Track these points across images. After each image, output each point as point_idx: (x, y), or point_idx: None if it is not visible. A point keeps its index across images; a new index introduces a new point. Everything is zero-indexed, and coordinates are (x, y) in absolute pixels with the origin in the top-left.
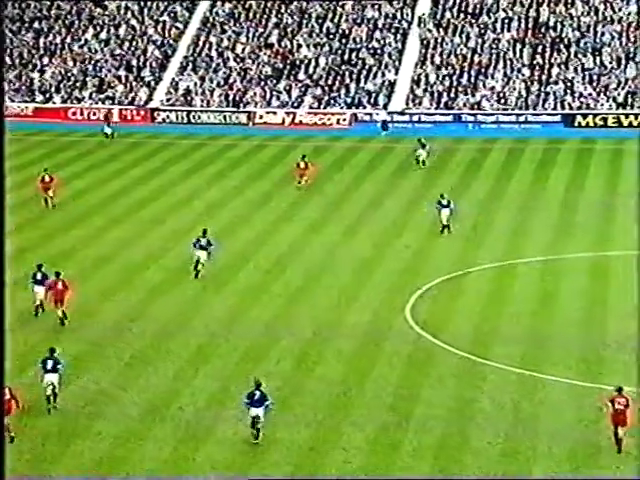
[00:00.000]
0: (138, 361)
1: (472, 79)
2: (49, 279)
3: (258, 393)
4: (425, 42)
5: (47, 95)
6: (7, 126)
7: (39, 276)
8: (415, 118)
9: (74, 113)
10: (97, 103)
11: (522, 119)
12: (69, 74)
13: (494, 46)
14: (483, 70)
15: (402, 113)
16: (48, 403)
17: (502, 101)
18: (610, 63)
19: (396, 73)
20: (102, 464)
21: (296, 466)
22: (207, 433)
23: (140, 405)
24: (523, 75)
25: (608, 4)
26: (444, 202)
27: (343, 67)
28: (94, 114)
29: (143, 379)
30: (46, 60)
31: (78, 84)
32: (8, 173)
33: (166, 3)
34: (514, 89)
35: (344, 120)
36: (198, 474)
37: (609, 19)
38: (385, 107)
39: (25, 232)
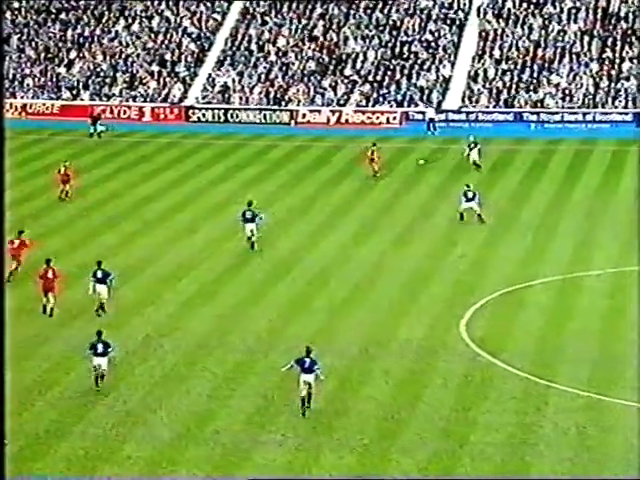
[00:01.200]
0: (170, 379)
1: (535, 74)
2: (110, 275)
3: (308, 360)
4: (484, 34)
5: (74, 92)
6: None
7: (99, 274)
8: (472, 117)
9: (103, 111)
10: (128, 100)
11: (589, 118)
12: (98, 69)
13: (559, 38)
14: (547, 65)
15: (458, 111)
16: (96, 385)
17: (568, 99)
18: None
19: (452, 68)
20: None
21: None
22: (244, 458)
23: (172, 427)
24: (591, 70)
25: None
26: (469, 194)
27: (393, 62)
28: (124, 112)
29: (175, 399)
30: (74, 54)
31: (108, 80)
32: (31, 176)
33: None
34: (581, 85)
35: (394, 119)
36: None
37: None
38: (439, 105)
39: (50, 239)
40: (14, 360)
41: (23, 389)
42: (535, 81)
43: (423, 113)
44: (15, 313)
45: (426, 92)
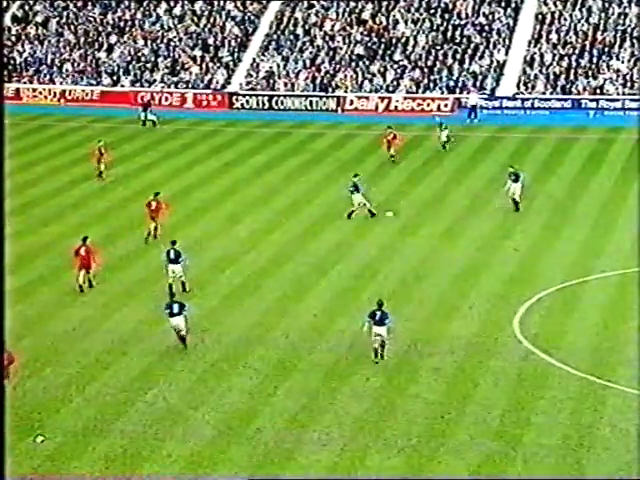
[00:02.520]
0: (211, 376)
1: (594, 59)
2: (182, 257)
3: (379, 313)
4: (540, 17)
5: (115, 77)
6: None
7: (172, 254)
8: (528, 104)
9: (144, 97)
10: (170, 87)
11: None
12: (139, 54)
13: (620, 22)
14: (607, 49)
15: (513, 98)
16: (183, 342)
17: (629, 85)
18: None
19: (506, 53)
20: None
21: None
22: (287, 458)
23: (213, 425)
24: None
25: None
26: (512, 176)
27: (445, 46)
28: (166, 99)
29: (216, 396)
30: (114, 39)
31: (149, 65)
32: (71, 165)
33: None
34: None
35: (446, 106)
36: None
37: None
38: (493, 91)
39: (90, 228)
40: (52, 355)
41: (61, 385)
42: (594, 66)
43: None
44: (51, 308)
45: (480, 78)
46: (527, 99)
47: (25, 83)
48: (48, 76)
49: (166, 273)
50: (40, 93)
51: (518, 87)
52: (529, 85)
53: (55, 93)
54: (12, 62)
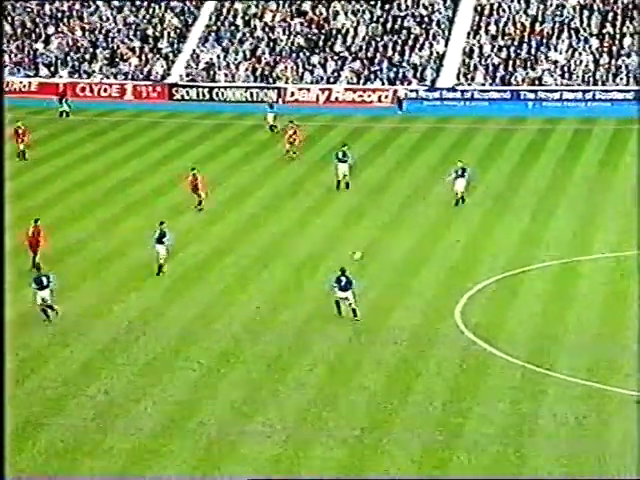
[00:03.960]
0: (153, 369)
1: (532, 51)
2: (167, 237)
3: (344, 279)
4: (479, 8)
5: (52, 69)
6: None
7: (157, 234)
8: (467, 95)
9: (83, 89)
10: (108, 78)
11: (589, 96)
12: (77, 45)
13: (558, 13)
14: (545, 41)
15: (453, 89)
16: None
17: (567, 76)
18: None
19: (446, 44)
20: None
21: None
22: (231, 450)
23: (155, 418)
24: (591, 46)
25: None
26: (459, 171)
27: (385, 37)
28: (105, 90)
29: (159, 389)
30: (51, 29)
31: (87, 57)
32: (7, 157)
33: None
34: (580, 62)
35: (386, 98)
36: None
37: None
38: (433, 82)
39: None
40: None
41: None
42: (533, 58)
43: (416, 91)
44: None
45: (420, 69)
46: (467, 90)
47: None
48: None
49: (157, 254)
50: None
51: (458, 78)
52: (469, 76)
53: None
54: None
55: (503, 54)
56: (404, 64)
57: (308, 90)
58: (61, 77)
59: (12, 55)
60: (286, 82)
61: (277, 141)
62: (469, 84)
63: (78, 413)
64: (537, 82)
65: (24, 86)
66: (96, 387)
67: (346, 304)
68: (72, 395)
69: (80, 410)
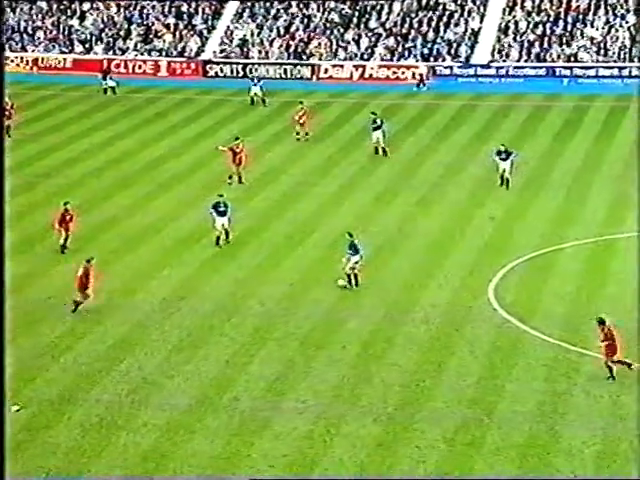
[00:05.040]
0: (187, 345)
1: (568, 27)
2: (227, 208)
3: (356, 243)
4: None
5: (87, 45)
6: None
7: (221, 207)
8: (502, 72)
9: (117, 66)
10: (142, 55)
11: (625, 73)
12: (112, 22)
13: None
14: (581, 17)
15: (487, 66)
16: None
17: (602, 52)
18: None
19: (481, 20)
20: (147, 459)
21: (362, 464)
22: (264, 426)
23: (189, 394)
24: (627, 22)
25: None
26: (503, 155)
27: (420, 13)
28: (139, 67)
29: (192, 365)
30: (87, 6)
31: (122, 33)
32: (43, 134)
33: None
34: (616, 39)
35: (420, 74)
36: (253, 471)
37: None
38: (467, 59)
39: (63, 198)
40: (27, 324)
41: (36, 354)
42: (568, 34)
43: (451, 68)
44: (26, 277)
45: (454, 46)
46: (501, 67)
47: None
48: (20, 44)
49: (214, 225)
50: (12, 61)
51: (492, 55)
52: (503, 53)
53: (27, 61)
54: None
55: (538, 30)
56: (438, 40)
57: (342, 67)
58: (96, 54)
59: (47, 32)
60: (320, 59)
61: (310, 118)
62: (504, 61)
63: (112, 388)
64: (573, 59)
65: (59, 62)
66: (130, 363)
67: (356, 269)
68: (106, 371)
69: (114, 385)
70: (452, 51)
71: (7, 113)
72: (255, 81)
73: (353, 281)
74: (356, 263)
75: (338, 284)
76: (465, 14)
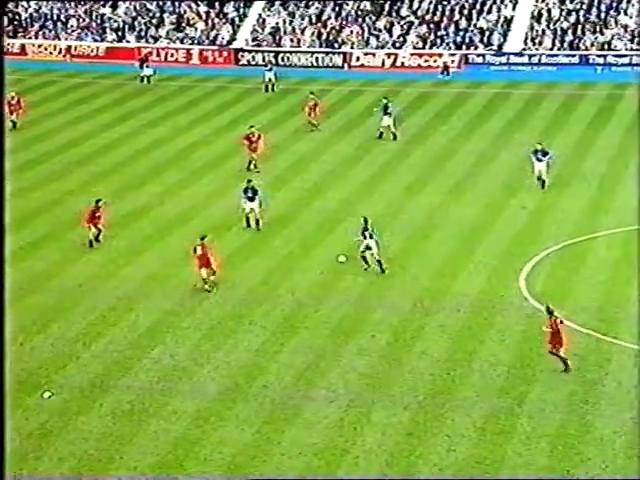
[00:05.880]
0: (217, 333)
1: (602, 15)
2: (258, 193)
3: (369, 228)
4: None
5: (120, 33)
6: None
7: (250, 192)
8: (535, 60)
9: (149, 54)
10: (174, 43)
11: None
12: (144, 10)
13: None
14: (614, 4)
15: (520, 54)
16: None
17: (636, 40)
18: None
19: (514, 8)
20: (177, 446)
21: (392, 453)
22: (294, 414)
23: (219, 382)
24: None
25: None
26: (539, 154)
27: (452, 1)
28: (171, 55)
29: (222, 353)
30: None
31: (154, 21)
32: (76, 121)
33: None
34: None
35: (452, 62)
36: (283, 459)
37: None
38: (500, 47)
39: (96, 186)
40: (59, 311)
41: (67, 341)
42: (602, 22)
43: (483, 56)
44: (59, 264)
45: (487, 34)
46: (534, 55)
47: (30, 39)
48: (53, 32)
49: (243, 209)
50: (45, 49)
51: (525, 43)
52: (536, 41)
53: (60, 49)
54: (17, 18)
55: (572, 18)
56: (471, 28)
57: (373, 55)
58: (128, 42)
59: (80, 20)
60: (351, 47)
61: (342, 107)
62: (537, 49)
63: (143, 376)
64: (606, 46)
65: (92, 51)
66: (161, 350)
67: (370, 253)
68: (137, 358)
69: (145, 373)
70: (485, 39)
71: (12, 108)
72: (269, 66)
73: (369, 264)
74: (368, 248)
75: (338, 260)
76: (498, 1)
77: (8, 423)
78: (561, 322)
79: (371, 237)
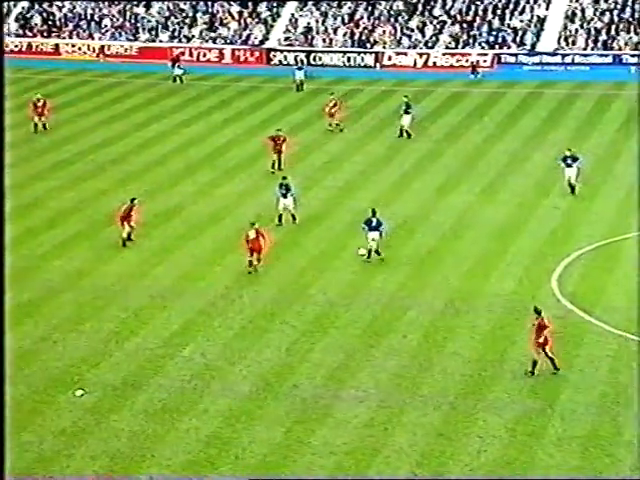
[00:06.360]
0: (248, 332)
1: (636, 15)
2: (291, 190)
3: (374, 220)
4: None
5: (153, 33)
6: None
7: (283, 189)
8: (568, 60)
9: (182, 53)
10: (207, 42)
11: None
12: (177, 10)
13: None
14: None
15: (553, 54)
16: (369, 257)
17: None
18: None
19: (547, 8)
20: (209, 444)
21: (423, 453)
22: (325, 414)
23: (251, 381)
24: None
25: None
26: (569, 160)
27: (485, 1)
28: (204, 55)
29: (254, 352)
30: None
31: (187, 21)
32: (110, 121)
33: None
34: None
35: (485, 62)
36: (314, 458)
37: None
38: (533, 47)
39: (129, 184)
40: (92, 310)
41: (100, 340)
42: (636, 21)
43: (516, 55)
44: (92, 263)
45: (520, 33)
46: (567, 55)
47: (64, 38)
48: (87, 31)
49: (277, 205)
50: (79, 49)
51: (559, 42)
52: (570, 40)
53: (94, 48)
54: (52, 17)
55: (605, 18)
56: (504, 28)
57: (405, 54)
58: (161, 42)
59: (113, 19)
60: (384, 46)
61: (374, 107)
62: (570, 48)
63: (175, 374)
64: None
65: (125, 50)
66: (193, 349)
67: (373, 245)
68: (170, 356)
69: (177, 371)
70: (517, 39)
71: (39, 110)
72: (299, 65)
73: (371, 255)
74: (373, 240)
75: (359, 253)
76: (531, 1)
77: (38, 420)
78: (547, 322)
79: (376, 229)
